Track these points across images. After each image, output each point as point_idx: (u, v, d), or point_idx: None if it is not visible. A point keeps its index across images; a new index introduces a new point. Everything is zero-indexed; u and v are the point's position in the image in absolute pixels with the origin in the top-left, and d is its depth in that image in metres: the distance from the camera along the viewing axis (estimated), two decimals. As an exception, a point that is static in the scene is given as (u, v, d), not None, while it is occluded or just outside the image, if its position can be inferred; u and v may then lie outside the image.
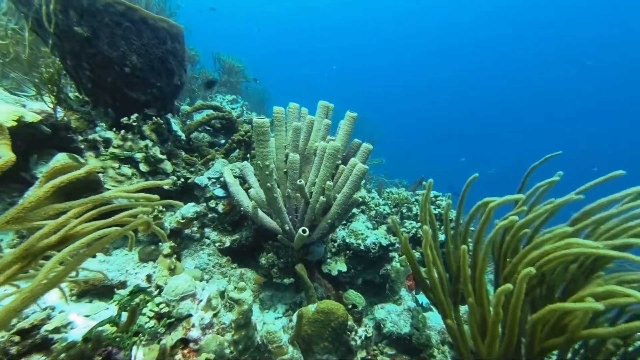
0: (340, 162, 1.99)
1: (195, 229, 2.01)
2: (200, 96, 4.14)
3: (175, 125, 2.49)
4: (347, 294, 2.05)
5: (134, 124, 1.68)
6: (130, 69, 1.57)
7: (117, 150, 1.63)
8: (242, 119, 2.92)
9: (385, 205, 2.91)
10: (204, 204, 2.08)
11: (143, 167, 1.74)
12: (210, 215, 2.08)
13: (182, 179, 1.94)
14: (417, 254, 2.58)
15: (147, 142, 1.77)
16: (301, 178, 1.98)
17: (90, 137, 1.60)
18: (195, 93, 4.40)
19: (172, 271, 1.66)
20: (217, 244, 2.03)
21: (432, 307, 2.62)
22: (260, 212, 1.97)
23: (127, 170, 1.68)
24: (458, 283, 1.49)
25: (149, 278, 1.51)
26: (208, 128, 2.59)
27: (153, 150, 1.78)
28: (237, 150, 2.38)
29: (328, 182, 1.77)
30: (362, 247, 2.44)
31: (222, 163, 2.15)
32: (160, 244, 1.73)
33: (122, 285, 1.36)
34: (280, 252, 2.06)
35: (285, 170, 1.95)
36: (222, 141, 2.71)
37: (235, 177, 2.16)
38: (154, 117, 1.78)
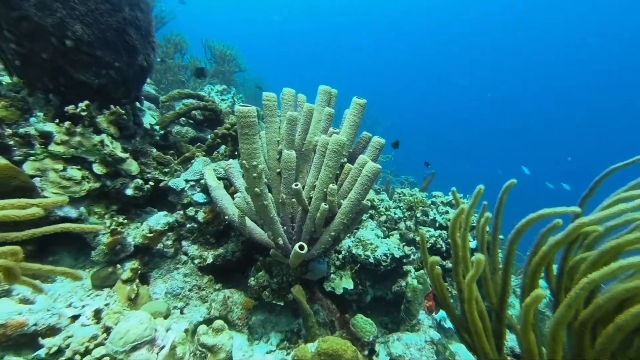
0: (345, 160, 1.62)
1: (169, 242, 1.65)
2: (190, 88, 3.77)
3: (151, 118, 2.12)
4: (354, 321, 1.69)
5: (84, 113, 1.32)
6: (74, 42, 1.20)
7: (60, 148, 1.27)
8: (230, 109, 2.56)
9: (396, 208, 2.54)
10: (181, 212, 1.72)
11: (98, 169, 1.38)
12: (188, 225, 1.72)
13: (152, 182, 1.58)
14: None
15: (104, 137, 1.40)
16: (298, 180, 1.62)
17: (21, 130, 1.24)
18: (185, 85, 4.03)
19: (133, 301, 1.30)
20: (196, 261, 1.67)
21: (449, 321, 2.27)
22: (248, 222, 1.62)
23: (75, 172, 1.32)
24: (501, 321, 1.12)
25: (97, 315, 1.15)
26: (191, 121, 2.22)
27: (111, 147, 1.41)
28: (223, 147, 2.01)
29: (331, 186, 1.41)
30: (371, 260, 2.07)
31: (202, 162, 1.79)
32: (119, 265, 1.37)
33: (53, 330, 1.01)
34: (273, 270, 1.70)
35: (278, 170, 1.59)
36: (209, 137, 2.34)
37: (219, 178, 1.79)
38: (112, 107, 1.42)
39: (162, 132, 1.87)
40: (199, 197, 1.74)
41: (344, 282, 2.01)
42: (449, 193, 2.48)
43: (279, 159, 1.58)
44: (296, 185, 1.41)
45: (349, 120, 1.62)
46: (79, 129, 1.33)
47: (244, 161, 1.35)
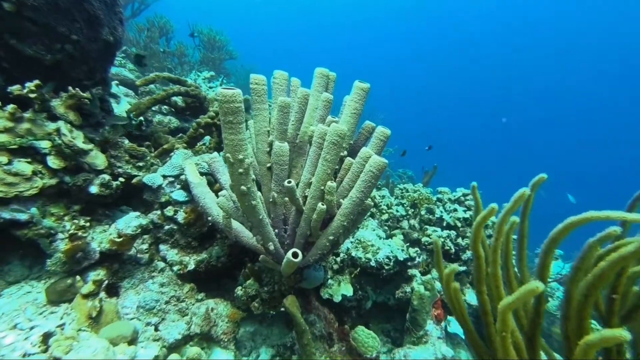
0: (345, 153, 1.42)
1: (145, 247, 1.45)
2: (177, 74, 3.52)
3: (128, 105, 1.89)
4: (355, 334, 1.51)
5: (33, 95, 1.10)
6: (14, 5, 0.98)
7: (2, 137, 1.05)
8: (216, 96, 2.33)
9: (399, 205, 2.35)
10: (158, 212, 1.51)
11: (53, 162, 1.16)
12: (167, 227, 1.51)
13: (123, 178, 1.36)
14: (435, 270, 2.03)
15: (60, 124, 1.18)
16: (291, 177, 1.42)
17: (-48, 115, 1.02)
18: (172, 72, 3.77)
19: (95, 320, 1.10)
20: (175, 268, 1.47)
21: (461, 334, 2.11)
22: (235, 224, 1.41)
23: (24, 166, 1.10)
24: (534, 349, 0.94)
25: (46, 340, 0.94)
26: (172, 109, 2.00)
27: (70, 137, 1.19)
28: (208, 138, 1.80)
29: (329, 183, 1.21)
30: (372, 263, 1.89)
31: (183, 155, 1.57)
32: (79, 277, 1.17)
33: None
34: (263, 278, 1.51)
35: (268, 165, 1.38)
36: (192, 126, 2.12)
37: (202, 174, 1.58)
38: (70, 88, 1.19)
39: (136, 120, 1.65)
40: (179, 194, 1.53)
41: (342, 289, 1.82)
42: (457, 189, 2.29)
43: (270, 152, 1.38)
44: (289, 182, 1.20)
45: (349, 107, 1.41)
46: (28, 114, 1.11)
47: (228, 154, 1.14)
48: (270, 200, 1.36)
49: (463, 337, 2.08)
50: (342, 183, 1.31)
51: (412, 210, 2.28)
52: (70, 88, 1.20)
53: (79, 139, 1.23)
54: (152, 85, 2.20)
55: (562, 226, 0.86)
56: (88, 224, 1.22)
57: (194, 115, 2.04)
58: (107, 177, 1.29)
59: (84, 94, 1.25)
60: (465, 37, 34.58)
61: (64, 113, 1.20)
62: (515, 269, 1.01)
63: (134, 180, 1.43)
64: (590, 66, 31.33)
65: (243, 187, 1.17)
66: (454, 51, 35.95)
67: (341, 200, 1.28)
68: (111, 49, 1.32)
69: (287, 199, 1.32)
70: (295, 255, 1.18)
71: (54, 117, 1.20)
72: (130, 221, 1.31)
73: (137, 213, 1.37)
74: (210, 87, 2.82)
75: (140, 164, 1.50)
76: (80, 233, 1.18)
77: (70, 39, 1.15)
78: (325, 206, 1.22)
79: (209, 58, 3.99)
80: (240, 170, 1.14)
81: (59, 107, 1.19)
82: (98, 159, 1.30)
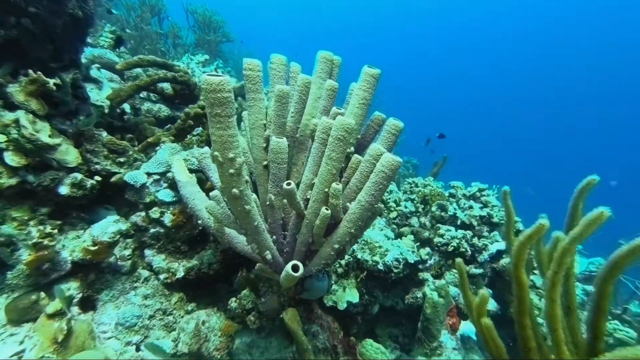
0: (352, 149, 1.24)
1: (127, 252, 1.29)
2: (170, 58, 3.30)
3: (110, 90, 1.70)
4: (363, 349, 1.37)
5: (-19, 80, 0.92)
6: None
7: (-56, 131, 0.88)
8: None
9: (407, 201, 2.18)
10: (143, 214, 1.35)
11: (12, 159, 0.99)
12: (152, 230, 1.36)
13: (99, 176, 1.20)
14: (451, 277, 1.88)
15: (20, 114, 1.01)
16: (291, 176, 1.24)
17: None
18: (166, 56, 3.54)
19: (63, 345, 0.95)
20: (162, 276, 1.32)
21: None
22: (228, 229, 1.25)
23: (-25, 165, 0.93)
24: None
25: (-2, 375, 0.79)
26: (159, 97, 1.81)
27: (32, 129, 1.02)
28: (200, 129, 1.62)
29: (334, 185, 1.04)
30: (380, 266, 1.73)
31: (170, 150, 1.40)
32: (43, 294, 1.01)
33: None
34: (260, 288, 1.35)
35: (265, 163, 1.21)
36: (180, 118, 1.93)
37: (191, 170, 1.41)
38: (31, 72, 1.01)
39: (117, 109, 1.47)
40: (166, 194, 1.36)
41: (347, 295, 1.68)
42: (472, 184, 2.11)
43: (266, 148, 1.20)
44: (288, 184, 1.03)
45: (357, 96, 1.22)
46: (-23, 104, 0.94)
47: (216, 153, 0.95)
48: (267, 203, 1.19)
49: (475, 339, 1.95)
50: (348, 184, 1.13)
51: (423, 206, 2.11)
52: (30, 71, 1.02)
53: (43, 132, 1.06)
54: (139, 70, 2.00)
55: (627, 249, 0.69)
56: (56, 231, 1.06)
57: (184, 104, 1.85)
58: (79, 176, 1.13)
59: (49, 79, 1.06)
60: (469, 32, 33.37)
61: (24, 101, 1.02)
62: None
63: (113, 179, 1.26)
64: (609, 65, 30.02)
65: (235, 190, 0.99)
66: (461, 46, 34.78)
67: (348, 204, 1.11)
68: (80, 25, 1.13)
69: (286, 201, 1.15)
70: (295, 268, 1.02)
71: (12, 106, 1.03)
72: (107, 227, 1.15)
73: (116, 217, 1.21)
74: (205, 72, 2.62)
75: (122, 159, 1.33)
76: (46, 242, 1.02)
77: (27, 12, 0.96)
78: (329, 211, 1.05)
79: (205, 40, 3.74)
80: (231, 170, 0.96)
81: (18, 94, 1.02)
82: (69, 154, 1.13)
